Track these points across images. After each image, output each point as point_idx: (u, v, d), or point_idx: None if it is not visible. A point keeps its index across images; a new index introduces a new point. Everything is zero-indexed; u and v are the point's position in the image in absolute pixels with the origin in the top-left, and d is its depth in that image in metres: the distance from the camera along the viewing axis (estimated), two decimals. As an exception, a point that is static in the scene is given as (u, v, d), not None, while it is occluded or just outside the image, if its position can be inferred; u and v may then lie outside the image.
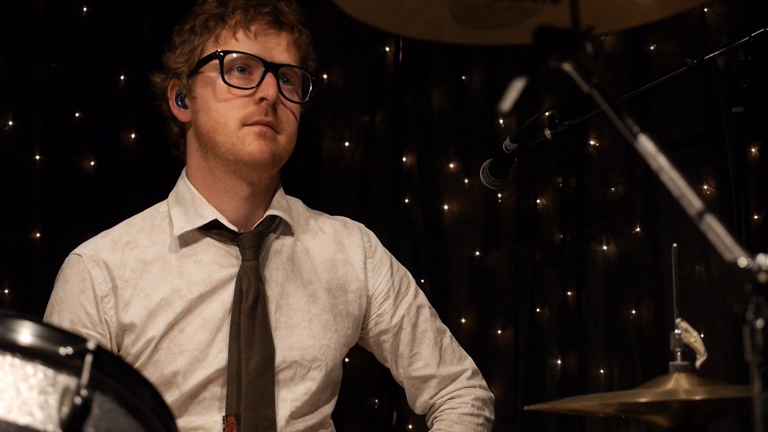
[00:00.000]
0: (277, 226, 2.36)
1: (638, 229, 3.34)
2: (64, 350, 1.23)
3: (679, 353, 1.84)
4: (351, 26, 3.60)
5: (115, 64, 3.56)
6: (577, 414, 1.90)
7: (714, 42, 3.15)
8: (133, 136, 3.56)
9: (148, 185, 3.47)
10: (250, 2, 2.30)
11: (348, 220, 2.51)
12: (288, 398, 2.29)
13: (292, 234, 2.38)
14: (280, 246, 2.36)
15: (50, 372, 1.22)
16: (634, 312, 3.32)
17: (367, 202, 3.57)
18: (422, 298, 2.49)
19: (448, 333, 2.50)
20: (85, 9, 3.54)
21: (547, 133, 2.85)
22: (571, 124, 2.85)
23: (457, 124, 3.54)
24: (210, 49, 2.30)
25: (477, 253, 3.47)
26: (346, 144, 3.61)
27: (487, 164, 2.98)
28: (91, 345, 1.24)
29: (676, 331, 1.86)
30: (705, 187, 3.27)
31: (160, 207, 2.41)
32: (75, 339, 1.25)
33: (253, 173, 2.29)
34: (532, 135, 2.90)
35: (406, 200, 3.55)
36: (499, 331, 3.42)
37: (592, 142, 3.41)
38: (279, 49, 2.29)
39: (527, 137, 2.88)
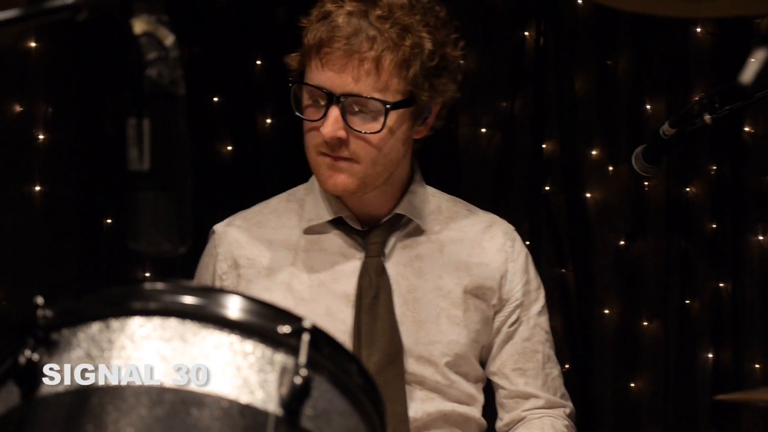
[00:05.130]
0: (407, 223, 2.32)
1: (797, 219, 3.24)
2: (283, 328, 1.19)
3: None
4: (489, 10, 3.54)
5: (252, 49, 3.55)
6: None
7: None
8: (269, 121, 3.55)
9: (285, 170, 3.46)
10: (336, 18, 2.16)
11: (496, 221, 2.41)
12: (418, 395, 2.24)
13: (423, 231, 2.32)
14: (409, 242, 2.31)
15: (268, 351, 1.19)
16: (793, 305, 3.22)
17: (505, 191, 3.50)
18: (545, 320, 2.40)
19: (559, 369, 2.42)
20: (223, -7, 3.55)
21: (707, 117, 2.75)
22: (733, 109, 2.75)
23: (601, 109, 3.45)
24: (303, 66, 2.22)
25: (622, 243, 3.39)
26: (483, 131, 3.55)
27: (640, 150, 2.88)
28: (307, 324, 1.20)
29: None
30: None
31: (298, 191, 2.40)
32: (291, 317, 1.21)
33: (384, 194, 2.27)
34: (689, 120, 2.81)
35: (547, 188, 3.48)
36: (646, 323, 3.33)
37: (747, 129, 3.30)
38: (347, 78, 2.15)
39: (685, 122, 2.79)
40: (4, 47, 3.39)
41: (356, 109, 2.16)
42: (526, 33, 3.52)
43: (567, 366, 3.43)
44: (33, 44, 3.42)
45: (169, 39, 1.20)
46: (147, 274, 3.44)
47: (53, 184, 3.39)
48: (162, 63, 1.19)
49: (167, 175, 1.19)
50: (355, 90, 2.15)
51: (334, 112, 2.15)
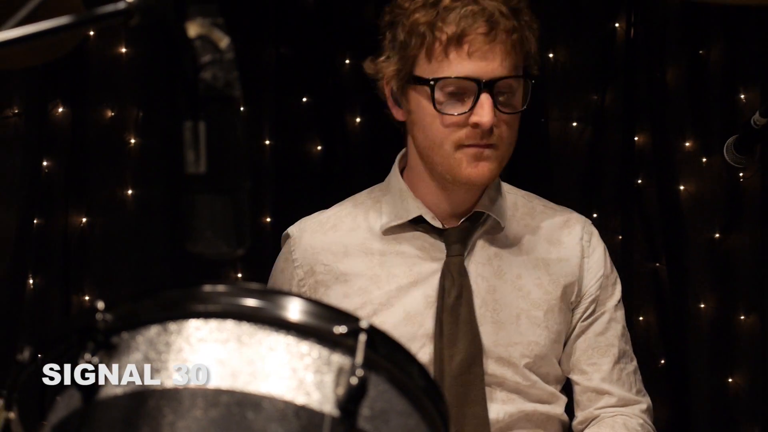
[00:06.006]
0: (486, 220, 2.27)
1: None
2: (339, 329, 1.18)
3: None
4: (579, 2, 3.49)
5: (340, 48, 3.55)
6: None
7: None
8: (358, 120, 3.55)
9: (374, 169, 3.43)
10: (463, 8, 2.11)
11: (573, 215, 2.36)
12: (498, 397, 2.21)
13: (502, 228, 2.28)
14: (489, 240, 2.27)
15: (325, 351, 1.18)
16: None
17: (597, 184, 3.46)
18: (620, 315, 2.33)
19: (635, 364, 2.34)
20: (311, -7, 3.56)
21: (801, 106, 2.68)
22: (829, 96, 2.67)
23: (693, 100, 3.38)
24: (422, 66, 2.14)
25: (717, 236, 3.31)
26: (574, 124, 3.50)
27: (731, 141, 2.81)
28: (364, 324, 1.19)
29: None
30: None
31: (374, 191, 2.36)
32: (347, 317, 1.20)
33: (471, 190, 2.22)
34: (782, 109, 2.73)
35: (639, 181, 3.42)
36: (743, 317, 3.26)
37: (844, 116, 3.19)
38: (495, 63, 2.11)
39: (778, 111, 2.71)
40: (97, 54, 3.45)
41: (501, 92, 2.13)
42: (617, 24, 3.47)
43: (662, 361, 3.37)
44: (123, 50, 3.48)
45: (223, 42, 1.20)
46: (239, 275, 3.47)
47: (145, 187, 3.44)
48: (217, 66, 1.19)
49: (224, 178, 1.19)
50: (504, 72, 2.11)
51: (488, 99, 2.11)
